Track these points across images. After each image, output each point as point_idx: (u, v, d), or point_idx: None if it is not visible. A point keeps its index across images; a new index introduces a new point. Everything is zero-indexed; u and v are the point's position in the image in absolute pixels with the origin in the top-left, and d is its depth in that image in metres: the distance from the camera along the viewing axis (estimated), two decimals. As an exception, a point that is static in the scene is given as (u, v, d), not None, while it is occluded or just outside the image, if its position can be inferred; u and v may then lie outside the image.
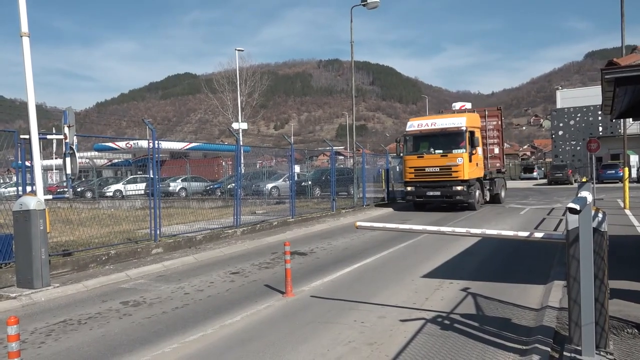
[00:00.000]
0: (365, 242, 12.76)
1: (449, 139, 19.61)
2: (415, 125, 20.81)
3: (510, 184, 46.76)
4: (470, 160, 19.35)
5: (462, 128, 19.39)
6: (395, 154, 23.04)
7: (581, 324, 4.29)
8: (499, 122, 22.75)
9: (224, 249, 12.11)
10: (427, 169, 19.96)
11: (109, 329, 6.29)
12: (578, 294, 4.33)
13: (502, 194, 23.95)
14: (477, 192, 20.21)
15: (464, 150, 19.24)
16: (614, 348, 4.61)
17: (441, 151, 19.72)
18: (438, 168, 19.67)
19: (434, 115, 23.06)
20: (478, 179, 20.58)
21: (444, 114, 22.85)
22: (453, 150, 19.44)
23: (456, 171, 19.25)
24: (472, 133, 19.53)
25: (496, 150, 22.72)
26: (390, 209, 22.22)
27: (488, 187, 22.00)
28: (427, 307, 6.69)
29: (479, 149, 20.52)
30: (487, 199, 21.98)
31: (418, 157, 20.28)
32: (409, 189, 20.72)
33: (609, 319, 4.52)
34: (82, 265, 9.77)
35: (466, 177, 19.23)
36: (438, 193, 19.80)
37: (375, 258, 10.55)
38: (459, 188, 19.29)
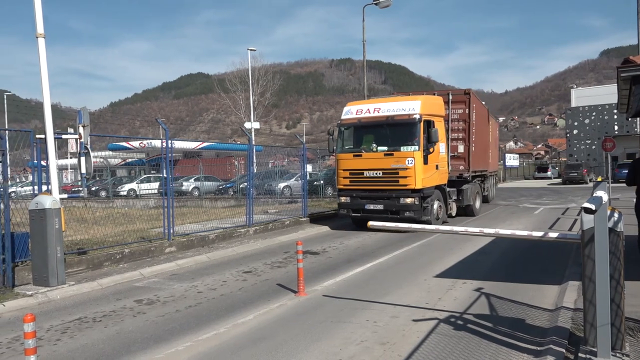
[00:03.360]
0: (378, 241, 12.73)
1: (396, 132, 14.36)
2: (353, 111, 15.30)
3: (524, 183, 46.53)
4: (425, 162, 14.04)
5: (415, 116, 14.00)
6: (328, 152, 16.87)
7: (596, 325, 4.25)
8: (466, 111, 17.01)
9: (236, 248, 12.16)
10: (366, 173, 14.53)
11: (123, 326, 6.35)
12: (593, 294, 4.29)
13: (477, 204, 18.61)
14: (436, 206, 14.78)
15: (417, 147, 13.88)
16: (630, 349, 4.55)
17: (385, 148, 14.33)
18: (381, 172, 14.29)
19: (379, 98, 16.54)
20: (439, 187, 15.23)
21: (393, 97, 16.62)
22: (401, 148, 14.04)
23: (405, 177, 13.90)
24: (429, 123, 14.09)
25: (460, 149, 17.03)
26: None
27: (455, 198, 16.64)
28: (440, 307, 6.66)
29: (442, 146, 15.40)
30: (454, 213, 16.61)
31: (355, 156, 14.80)
32: (342, 199, 15.28)
33: (625, 320, 4.47)
34: (97, 263, 9.87)
35: (419, 186, 13.90)
36: (380, 207, 14.42)
37: (387, 257, 10.52)
38: (408, 201, 13.98)
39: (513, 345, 5.09)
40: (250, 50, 38.80)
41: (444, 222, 15.32)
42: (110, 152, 47.52)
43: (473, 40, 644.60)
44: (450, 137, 16.74)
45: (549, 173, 53.38)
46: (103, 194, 29.71)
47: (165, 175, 12.33)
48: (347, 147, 15.34)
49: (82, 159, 9.19)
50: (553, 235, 5.07)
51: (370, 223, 6.27)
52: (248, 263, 10.49)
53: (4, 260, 8.09)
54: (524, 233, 5.52)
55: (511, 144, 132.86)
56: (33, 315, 3.95)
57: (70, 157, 46.49)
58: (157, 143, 30.80)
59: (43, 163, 9.42)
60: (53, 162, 8.84)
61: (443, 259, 10.09)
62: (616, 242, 4.34)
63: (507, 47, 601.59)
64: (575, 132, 54.27)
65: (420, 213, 14.10)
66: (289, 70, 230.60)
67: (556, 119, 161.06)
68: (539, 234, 5.18)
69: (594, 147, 51.44)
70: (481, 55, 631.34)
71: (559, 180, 46.41)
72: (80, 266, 9.57)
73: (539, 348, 4.92)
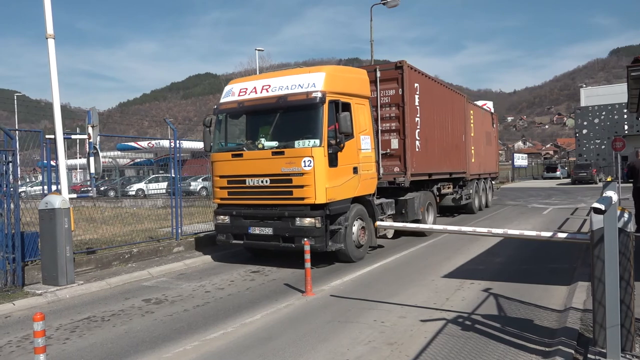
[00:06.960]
0: (385, 241, 12.67)
1: (291, 119, 9.92)
2: (235, 91, 10.66)
3: (533, 183, 46.26)
4: (333, 163, 9.44)
5: (315, 95, 9.32)
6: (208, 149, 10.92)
7: (606, 326, 4.22)
8: (399, 91, 12.06)
9: (244, 248, 12.15)
10: (249, 181, 9.84)
11: (132, 326, 6.38)
12: (603, 295, 4.26)
13: (429, 219, 13.85)
14: (357, 227, 10.09)
15: (318, 140, 9.23)
16: (640, 351, 4.52)
17: (275, 144, 9.82)
18: (268, 179, 9.62)
19: (271, 73, 11.03)
20: (361, 199, 10.47)
21: (289, 70, 10.82)
22: (296, 143, 9.45)
23: (301, 186, 9.26)
24: (337, 105, 9.49)
25: (394, 144, 12.17)
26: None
27: (391, 212, 11.95)
28: (447, 307, 6.63)
29: (365, 140, 10.55)
30: (390, 235, 12.10)
31: (234, 156, 10.17)
32: (219, 219, 10.46)
33: (635, 321, 4.43)
34: (106, 263, 9.92)
35: (321, 199, 9.20)
36: (269, 231, 9.70)
37: (395, 257, 10.50)
38: (305, 222, 9.30)
39: (521, 345, 5.06)
40: (258, 50, 38.82)
41: (371, 248, 11.04)
42: (119, 152, 47.82)
43: (481, 40, 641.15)
44: (380, 128, 12.04)
45: (558, 173, 53.00)
46: (112, 193, 29.87)
47: (173, 175, 12.37)
48: (225, 144, 10.81)
49: (91, 159, 9.24)
50: (562, 235, 5.04)
51: (378, 223, 6.21)
52: (256, 262, 10.50)
53: (14, 259, 8.14)
54: (533, 233, 5.49)
55: (520, 144, 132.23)
56: (42, 314, 3.97)
57: (79, 157, 46.89)
58: (165, 143, 30.93)
59: (52, 163, 9.49)
60: (62, 162, 8.90)
61: (451, 259, 10.05)
62: (626, 243, 4.31)
63: (515, 47, 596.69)
64: (584, 131, 53.94)
65: (324, 240, 9.33)
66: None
67: (565, 119, 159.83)
68: (548, 234, 5.15)
69: (603, 146, 51.08)
70: (489, 54, 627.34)
71: (568, 180, 46.12)
72: (89, 265, 9.63)
73: (547, 349, 4.89)
